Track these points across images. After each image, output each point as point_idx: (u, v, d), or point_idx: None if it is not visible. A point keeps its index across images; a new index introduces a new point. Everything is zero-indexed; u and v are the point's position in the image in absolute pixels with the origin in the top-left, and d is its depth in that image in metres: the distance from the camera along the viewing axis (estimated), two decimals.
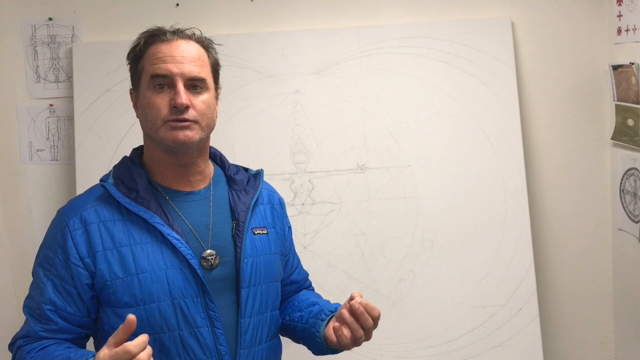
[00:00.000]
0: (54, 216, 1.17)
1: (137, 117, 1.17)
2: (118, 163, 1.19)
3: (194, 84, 1.11)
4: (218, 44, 1.21)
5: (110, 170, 1.18)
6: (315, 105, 1.94)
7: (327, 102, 1.94)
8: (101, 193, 1.13)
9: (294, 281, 1.36)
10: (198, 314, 1.08)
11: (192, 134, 1.10)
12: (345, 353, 1.86)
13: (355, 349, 1.86)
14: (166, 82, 1.09)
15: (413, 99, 1.94)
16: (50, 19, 1.96)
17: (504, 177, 1.92)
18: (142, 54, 1.13)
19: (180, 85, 1.09)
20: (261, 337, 1.17)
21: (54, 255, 1.10)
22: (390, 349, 1.89)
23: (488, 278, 1.89)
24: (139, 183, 1.12)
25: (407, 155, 1.93)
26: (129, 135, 1.90)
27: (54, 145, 1.99)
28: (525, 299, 1.88)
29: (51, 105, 1.98)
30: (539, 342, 1.87)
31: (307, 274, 1.43)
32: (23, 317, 1.15)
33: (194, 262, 1.09)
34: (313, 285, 1.46)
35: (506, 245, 1.89)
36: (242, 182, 1.22)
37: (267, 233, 1.21)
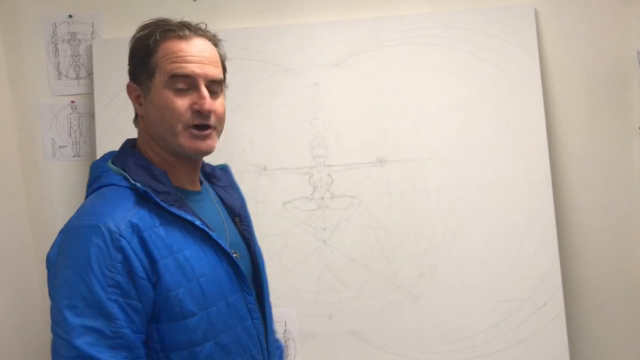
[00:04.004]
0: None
1: (140, 112, 1.11)
2: (128, 164, 1.08)
3: (212, 86, 1.08)
4: (222, 39, 1.17)
5: (119, 172, 1.07)
6: (334, 98, 1.92)
7: (346, 94, 1.92)
8: (134, 198, 1.03)
9: None
10: (243, 308, 1.09)
11: (212, 143, 1.08)
12: (367, 349, 1.86)
13: (377, 344, 1.87)
14: (187, 82, 1.05)
15: (433, 90, 1.91)
16: (70, 16, 1.98)
17: (528, 168, 1.87)
18: (155, 49, 1.07)
19: (204, 89, 1.05)
20: (272, 320, 1.22)
21: (112, 273, 0.97)
22: (412, 344, 1.87)
23: (511, 272, 1.85)
24: (167, 185, 1.06)
25: (428, 148, 1.90)
26: None
27: (76, 142, 2.01)
28: (550, 293, 1.84)
29: (72, 101, 2.00)
30: (564, 338, 1.83)
31: None
32: (48, 315, 1.01)
33: (235, 258, 1.09)
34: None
35: (530, 238, 1.85)
36: (223, 178, 1.23)
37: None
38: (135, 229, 0.99)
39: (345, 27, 1.93)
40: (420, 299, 1.88)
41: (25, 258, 1.94)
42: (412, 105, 1.91)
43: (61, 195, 2.02)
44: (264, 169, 1.90)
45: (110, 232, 0.98)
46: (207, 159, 1.19)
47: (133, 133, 1.93)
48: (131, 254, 0.98)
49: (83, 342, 0.94)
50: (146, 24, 1.11)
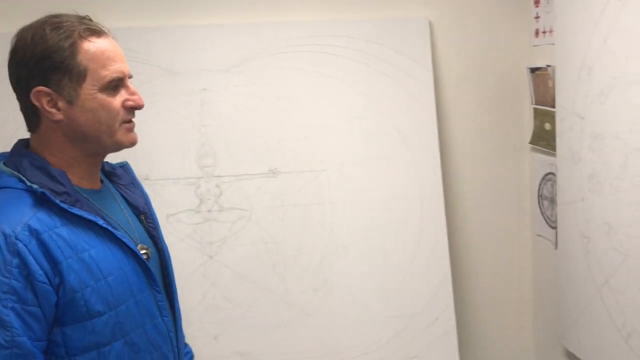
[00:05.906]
0: None
1: (58, 117, 1.03)
2: (22, 165, 1.03)
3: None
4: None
5: (13, 174, 1.02)
6: (226, 105, 1.83)
7: (238, 101, 1.83)
8: (32, 200, 1.00)
9: None
10: (152, 306, 1.09)
11: None
12: None
13: None
14: (117, 81, 1.05)
15: (328, 100, 1.86)
16: None
17: (420, 181, 1.85)
18: (76, 50, 1.02)
19: (132, 85, 1.07)
20: (180, 316, 1.21)
21: (8, 279, 0.94)
22: None
23: (403, 286, 1.83)
24: (66, 185, 1.04)
25: (322, 159, 1.84)
26: (20, 133, 1.73)
27: None
28: (442, 308, 1.82)
29: None
30: (455, 352, 1.82)
31: None
32: None
33: (142, 256, 1.09)
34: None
35: (422, 252, 1.83)
36: (124, 176, 1.21)
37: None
38: (34, 232, 0.97)
39: (238, 31, 1.84)
40: (312, 316, 1.81)
41: None
42: (307, 115, 1.85)
43: None
44: (146, 179, 1.77)
45: (5, 236, 0.96)
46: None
47: (11, 132, 1.75)
48: (29, 258, 0.96)
49: None
50: (51, 22, 1.04)
